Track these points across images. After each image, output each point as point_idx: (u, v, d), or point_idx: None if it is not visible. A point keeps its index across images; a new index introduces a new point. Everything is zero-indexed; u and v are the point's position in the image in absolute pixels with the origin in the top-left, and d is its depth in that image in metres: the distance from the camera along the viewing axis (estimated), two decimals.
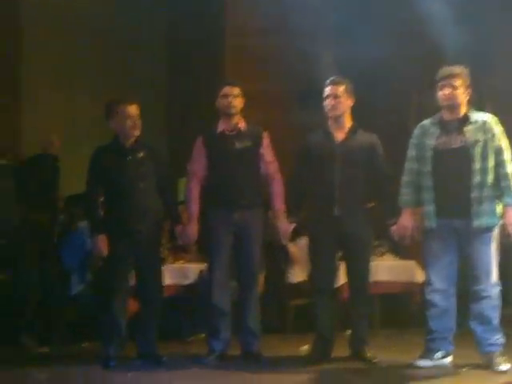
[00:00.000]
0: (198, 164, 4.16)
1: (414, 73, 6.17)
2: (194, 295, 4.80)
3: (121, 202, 3.97)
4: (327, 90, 4.11)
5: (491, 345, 3.87)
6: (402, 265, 5.36)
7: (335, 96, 4.07)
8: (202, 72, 7.00)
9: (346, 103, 4.10)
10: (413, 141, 4.03)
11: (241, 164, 4.10)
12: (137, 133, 4.03)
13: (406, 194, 4.01)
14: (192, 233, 4.11)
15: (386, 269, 5.24)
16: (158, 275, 4.10)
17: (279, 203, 4.16)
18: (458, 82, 3.89)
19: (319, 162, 4.09)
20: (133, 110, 4.01)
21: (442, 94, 3.91)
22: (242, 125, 4.17)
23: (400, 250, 5.36)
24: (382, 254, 5.40)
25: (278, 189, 4.18)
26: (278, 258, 5.32)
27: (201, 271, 4.80)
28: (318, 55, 6.55)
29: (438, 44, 5.38)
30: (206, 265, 4.35)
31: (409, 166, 4.03)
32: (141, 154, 4.04)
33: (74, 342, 4.66)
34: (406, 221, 3.99)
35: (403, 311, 5.38)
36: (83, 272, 4.80)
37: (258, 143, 4.16)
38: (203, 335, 4.67)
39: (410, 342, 4.65)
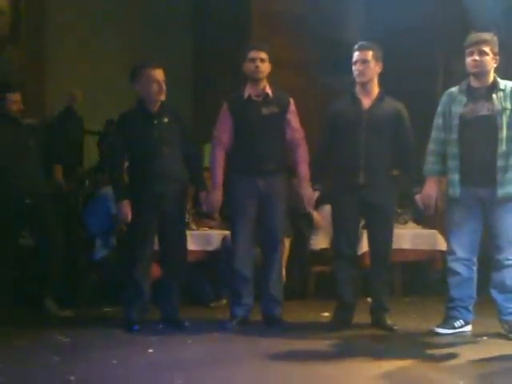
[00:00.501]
0: (224, 130, 4.13)
1: (442, 38, 6.04)
2: (217, 261, 4.83)
3: (145, 167, 3.96)
4: (356, 55, 4.06)
5: (511, 313, 3.87)
6: (425, 234, 5.33)
7: (363, 61, 4.02)
8: (229, 37, 6.94)
9: (375, 69, 4.05)
10: (440, 109, 3.99)
11: (267, 130, 4.05)
12: (162, 97, 4.00)
13: (431, 163, 3.98)
14: (216, 199, 4.10)
15: (408, 237, 5.23)
16: (182, 241, 4.11)
17: (304, 170, 4.14)
18: (486, 49, 3.83)
19: (345, 129, 4.06)
20: (158, 74, 3.97)
21: (471, 60, 3.85)
22: (269, 90, 4.12)
23: (423, 219, 5.33)
24: (405, 223, 5.38)
25: (303, 155, 4.15)
26: (302, 224, 5.31)
27: (224, 238, 4.84)
28: (346, 21, 6.44)
29: (468, 9, 5.24)
30: (229, 232, 4.36)
31: (435, 134, 3.99)
32: (166, 119, 4.01)
33: (98, 307, 4.69)
34: (430, 190, 3.97)
35: (425, 279, 5.39)
36: (107, 237, 4.81)
37: (284, 109, 4.12)
38: (225, 301, 4.74)
39: (430, 309, 4.68)
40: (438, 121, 3.98)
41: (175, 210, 4.04)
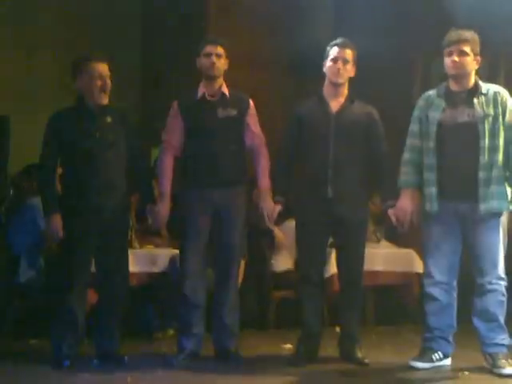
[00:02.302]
0: (173, 133, 4.07)
1: (420, 36, 6.07)
2: (164, 285, 4.74)
3: (83, 175, 3.85)
4: (335, 52, 4.04)
5: (495, 345, 3.86)
6: (400, 253, 5.34)
7: (344, 60, 4.02)
8: (182, 29, 6.88)
9: (352, 71, 4.06)
10: (416, 113, 3.99)
11: (223, 135, 4.00)
12: (106, 96, 3.92)
13: (406, 174, 3.97)
14: (164, 212, 4.02)
15: (381, 257, 5.22)
16: (124, 262, 4.02)
17: (265, 180, 4.09)
18: (467, 49, 3.84)
19: (312, 135, 4.03)
20: (103, 68, 3.91)
21: (450, 61, 3.87)
22: (226, 90, 4.07)
23: (397, 236, 5.32)
24: (378, 241, 5.37)
25: (263, 164, 4.10)
26: (262, 243, 5.26)
27: (172, 258, 4.74)
28: (315, 17, 6.42)
29: (447, 5, 5.28)
30: (178, 251, 4.26)
31: (410, 142, 3.99)
32: (109, 119, 3.93)
33: (22, 338, 4.53)
34: (405, 204, 3.94)
35: (400, 306, 5.37)
36: (34, 256, 4.69)
37: (243, 112, 4.07)
38: (172, 332, 4.65)
39: (406, 340, 4.67)
40: (413, 127, 3.98)
41: (117, 226, 3.95)
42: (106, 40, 7.13)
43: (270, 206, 4.07)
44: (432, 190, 3.87)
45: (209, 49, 4.02)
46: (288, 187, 4.18)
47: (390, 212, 4.00)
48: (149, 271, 4.80)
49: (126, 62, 7.25)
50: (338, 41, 4.06)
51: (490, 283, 3.83)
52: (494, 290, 3.83)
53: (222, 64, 4.03)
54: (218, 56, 4.01)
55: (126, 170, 3.97)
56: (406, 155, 3.97)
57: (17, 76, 7.08)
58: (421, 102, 3.99)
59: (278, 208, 4.10)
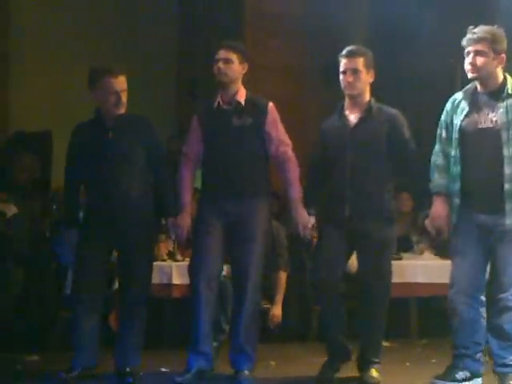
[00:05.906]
0: (192, 146, 3.92)
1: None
2: None
3: (100, 189, 3.75)
4: (344, 64, 3.83)
5: (505, 365, 3.58)
6: (442, 264, 5.10)
7: (354, 71, 3.80)
8: (218, 42, 6.88)
9: (366, 79, 3.84)
10: (442, 119, 3.72)
11: (239, 145, 3.79)
12: (121, 111, 3.74)
13: (436, 178, 3.69)
14: (184, 224, 3.85)
15: (422, 269, 5.07)
16: (144, 273, 3.80)
17: (295, 190, 3.86)
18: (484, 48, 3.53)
19: (331, 151, 3.85)
20: (118, 83, 3.70)
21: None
22: (242, 97, 3.84)
23: (440, 246, 5.16)
24: (422, 252, 5.24)
25: (292, 171, 3.86)
26: (301, 253, 5.16)
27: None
28: (347, 27, 6.38)
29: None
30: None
31: (439, 148, 3.72)
32: (125, 132, 3.75)
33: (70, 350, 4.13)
34: (439, 210, 3.66)
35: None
36: None
37: (261, 119, 3.82)
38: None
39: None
40: (440, 132, 3.72)
41: (135, 239, 3.76)
42: (141, 53, 7.15)
43: (304, 218, 3.85)
44: (455, 201, 3.62)
45: (217, 54, 3.81)
46: (317, 202, 3.97)
47: (427, 222, 3.76)
48: None
49: (163, 75, 7.30)
50: (345, 51, 3.84)
51: (509, 299, 3.54)
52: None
53: (231, 70, 3.79)
54: (226, 61, 3.77)
55: (146, 183, 3.82)
56: (435, 160, 3.70)
57: (56, 90, 7.16)
58: (448, 106, 3.69)
59: (312, 220, 3.89)
